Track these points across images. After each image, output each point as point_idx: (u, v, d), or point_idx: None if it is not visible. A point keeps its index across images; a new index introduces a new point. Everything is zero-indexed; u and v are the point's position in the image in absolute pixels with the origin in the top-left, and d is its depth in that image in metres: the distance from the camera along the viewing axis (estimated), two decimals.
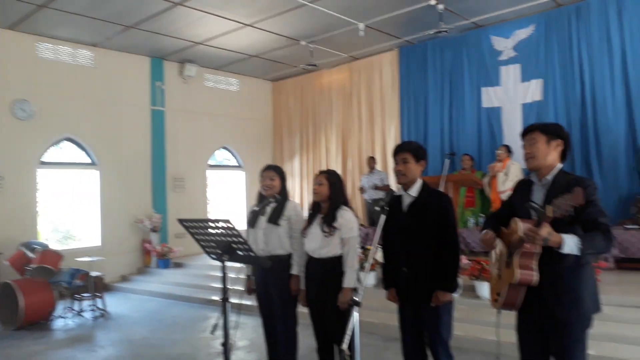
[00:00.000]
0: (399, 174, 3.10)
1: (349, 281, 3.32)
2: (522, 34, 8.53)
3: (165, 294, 8.06)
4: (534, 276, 2.38)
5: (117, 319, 6.73)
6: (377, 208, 3.13)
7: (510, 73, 8.65)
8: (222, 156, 11.64)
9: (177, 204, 10.13)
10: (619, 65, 7.58)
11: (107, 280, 8.75)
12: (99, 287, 7.08)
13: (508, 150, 7.90)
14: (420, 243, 3.02)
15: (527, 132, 2.61)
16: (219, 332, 2.90)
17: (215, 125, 11.06)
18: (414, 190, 3.10)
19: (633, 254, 6.01)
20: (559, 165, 2.56)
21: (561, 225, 2.31)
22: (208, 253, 3.00)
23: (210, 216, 10.70)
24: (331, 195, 3.47)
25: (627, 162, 7.41)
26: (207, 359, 4.91)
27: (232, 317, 3.26)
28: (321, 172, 3.59)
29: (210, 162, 11.15)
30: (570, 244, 2.23)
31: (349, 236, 3.40)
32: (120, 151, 9.47)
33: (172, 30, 8.53)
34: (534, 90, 8.40)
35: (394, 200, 3.15)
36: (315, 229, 3.47)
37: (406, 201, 3.12)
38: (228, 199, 11.61)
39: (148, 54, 9.82)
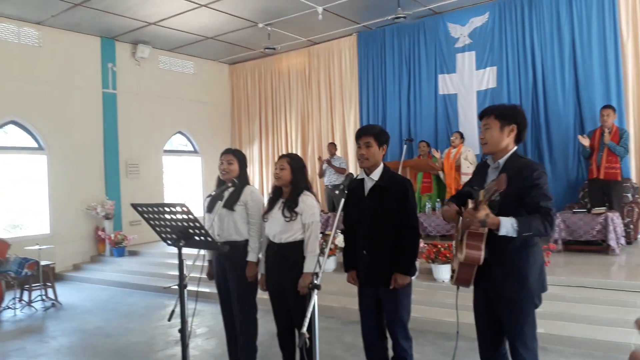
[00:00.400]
0: (361, 157, 3.09)
1: (309, 266, 3.30)
2: (478, 21, 8.68)
3: (120, 283, 7.85)
4: (480, 256, 2.45)
5: (70, 309, 6.51)
6: (337, 192, 3.13)
7: (466, 60, 8.81)
8: (178, 141, 11.36)
9: (132, 191, 9.84)
10: (568, 54, 7.84)
11: (58, 270, 8.45)
12: (49, 276, 6.81)
13: (461, 136, 8.09)
14: (381, 227, 3.04)
15: (483, 116, 2.64)
16: (176, 320, 2.83)
17: (170, 110, 10.77)
18: (376, 175, 3.10)
19: (580, 236, 6.27)
20: (513, 149, 2.60)
21: (507, 206, 2.38)
22: (164, 239, 2.91)
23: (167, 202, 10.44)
24: (293, 180, 3.44)
25: (576, 148, 7.71)
26: (164, 347, 4.82)
27: (190, 304, 3.20)
28: (283, 156, 3.54)
29: (166, 147, 10.86)
30: (507, 225, 2.29)
31: (311, 221, 3.38)
32: (70, 135, 9.08)
33: (123, 9, 8.18)
34: (488, 78, 8.59)
35: (356, 184, 3.15)
36: (277, 214, 3.43)
37: (368, 185, 3.13)
38: (185, 185, 11.37)
39: (98, 33, 9.41)
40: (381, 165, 3.13)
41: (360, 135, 3.12)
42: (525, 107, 8.11)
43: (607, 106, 6.84)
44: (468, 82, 8.77)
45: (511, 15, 8.35)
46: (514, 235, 2.32)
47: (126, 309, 6.42)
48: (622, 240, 6.24)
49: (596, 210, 6.30)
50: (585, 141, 6.76)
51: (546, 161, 7.90)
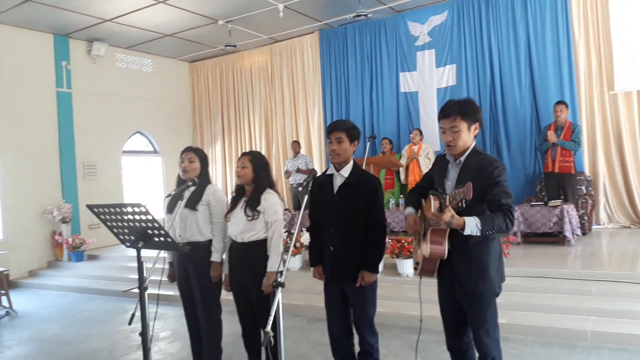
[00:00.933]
0: (332, 153, 3.06)
1: (273, 264, 3.26)
2: (437, 19, 8.82)
3: (79, 288, 7.58)
4: (444, 251, 2.52)
5: (25, 317, 6.25)
6: (300, 189, 3.11)
7: (426, 58, 8.94)
8: (137, 142, 11.08)
9: (90, 193, 9.54)
10: (524, 52, 8.07)
11: (12, 277, 8.09)
12: (3, 284, 6.52)
13: (420, 133, 8.23)
14: (349, 223, 3.03)
15: (447, 116, 2.57)
16: (138, 324, 2.75)
17: (129, 109, 10.49)
18: (346, 171, 3.09)
19: (537, 228, 6.45)
20: (473, 144, 2.63)
21: (470, 203, 2.38)
22: (122, 241, 2.82)
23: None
24: (255, 178, 3.38)
25: (533, 143, 7.95)
26: (126, 352, 4.68)
27: (152, 308, 3.11)
28: (244, 154, 3.47)
29: (125, 147, 10.58)
30: (471, 225, 2.35)
31: (274, 219, 3.33)
32: (23, 136, 8.71)
33: (76, 4, 7.90)
34: (448, 75, 8.74)
35: (324, 180, 3.14)
36: (239, 213, 3.37)
37: (337, 181, 3.11)
38: (145, 186, 11.10)
39: (51, 30, 9.07)
40: (351, 162, 3.12)
41: (332, 130, 3.08)
42: (484, 104, 8.30)
43: (560, 102, 7.07)
44: (428, 80, 8.90)
45: (469, 14, 8.52)
46: (478, 234, 2.37)
47: (86, 315, 6.22)
48: (578, 231, 6.46)
49: (552, 203, 6.50)
50: (553, 137, 6.91)
51: (504, 156, 8.10)
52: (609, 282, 4.78)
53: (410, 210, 2.84)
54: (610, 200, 7.60)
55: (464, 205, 2.25)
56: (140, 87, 10.78)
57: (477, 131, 2.62)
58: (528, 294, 4.89)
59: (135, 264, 8.16)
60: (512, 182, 7.42)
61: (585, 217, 7.01)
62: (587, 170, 7.61)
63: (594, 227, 7.37)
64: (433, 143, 8.35)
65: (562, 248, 6.20)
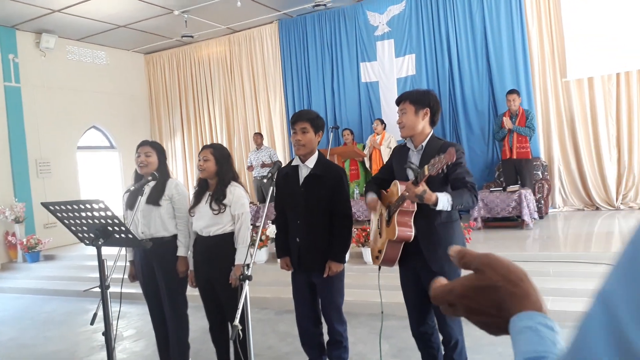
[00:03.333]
0: (297, 144, 3.04)
1: (240, 257, 3.22)
2: (395, 9, 8.87)
3: (36, 290, 7.30)
4: (411, 232, 2.60)
5: None
6: (265, 181, 3.07)
7: (385, 48, 8.98)
8: (93, 137, 10.71)
9: (44, 191, 9.17)
10: (480, 42, 8.23)
11: None
12: None
13: (382, 123, 8.29)
14: (315, 214, 3.03)
15: (400, 101, 2.77)
16: (100, 323, 2.66)
17: (82, 103, 10.11)
18: (311, 162, 3.07)
19: (497, 213, 6.63)
20: (431, 132, 2.76)
21: (434, 184, 2.51)
22: (81, 239, 2.71)
23: None
24: (218, 171, 3.31)
25: (491, 130, 8.14)
26: (89, 353, 4.54)
27: (115, 306, 3.02)
28: (206, 147, 3.40)
29: (80, 143, 10.22)
30: (443, 200, 2.42)
31: (241, 212, 3.28)
32: None
33: None
34: (407, 65, 8.82)
35: (289, 171, 3.11)
36: (204, 207, 3.30)
37: (303, 173, 3.09)
38: (103, 183, 10.76)
39: None
40: (316, 153, 3.11)
41: (296, 120, 3.06)
42: (443, 93, 8.43)
43: (512, 91, 7.25)
44: (388, 70, 8.96)
45: (426, 4, 8.61)
46: (449, 209, 2.46)
47: (44, 317, 5.99)
48: (535, 215, 6.68)
49: (511, 188, 6.69)
50: (509, 123, 7.09)
51: (464, 144, 8.25)
52: (566, 262, 4.97)
53: (372, 194, 2.91)
54: (564, 184, 7.88)
55: (445, 171, 2.31)
56: (94, 80, 10.41)
57: (427, 116, 2.72)
58: None
59: (94, 263, 7.91)
60: (472, 168, 7.48)
61: (542, 201, 7.25)
62: (542, 156, 7.86)
63: (550, 210, 7.64)
64: (395, 132, 8.43)
65: (521, 232, 6.39)
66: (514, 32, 7.95)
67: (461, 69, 8.39)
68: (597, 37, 7.37)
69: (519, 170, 7.16)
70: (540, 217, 7.10)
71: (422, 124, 2.71)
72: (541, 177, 7.57)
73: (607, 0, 7.29)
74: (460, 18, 8.35)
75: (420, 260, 2.68)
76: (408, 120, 2.70)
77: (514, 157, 7.12)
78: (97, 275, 2.60)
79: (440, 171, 2.30)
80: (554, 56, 7.84)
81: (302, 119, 3.04)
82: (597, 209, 7.58)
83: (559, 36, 7.76)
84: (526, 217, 6.41)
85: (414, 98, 2.72)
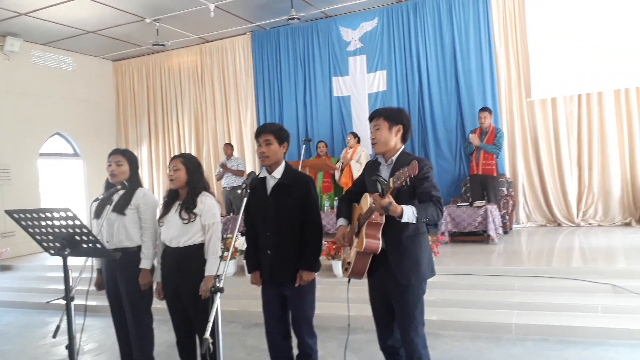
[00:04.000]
0: (262, 155, 3.04)
1: (211, 268, 3.17)
2: (368, 26, 9.02)
3: None
4: (379, 244, 2.64)
5: None
6: (238, 191, 3.04)
7: (357, 63, 9.10)
8: (56, 144, 10.41)
9: (2, 198, 8.83)
10: (450, 60, 8.44)
11: None
12: None
13: (355, 136, 8.36)
14: (284, 225, 3.02)
15: (373, 117, 2.82)
16: (62, 337, 2.57)
17: (47, 109, 9.83)
18: (278, 173, 3.07)
19: (464, 227, 6.76)
20: (402, 147, 2.84)
21: (402, 198, 2.56)
22: (46, 248, 2.62)
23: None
24: (189, 181, 3.27)
25: (459, 147, 8.34)
26: None
27: (78, 319, 2.92)
28: (176, 157, 3.35)
29: (43, 150, 9.91)
30: (408, 212, 2.46)
31: (211, 222, 3.24)
32: None
33: None
34: (379, 81, 8.95)
35: (258, 183, 3.09)
36: (174, 217, 3.24)
37: (270, 184, 3.08)
38: (65, 191, 10.45)
39: None
40: (283, 164, 3.11)
41: (259, 133, 3.08)
42: (413, 109, 8.59)
43: (484, 109, 7.47)
44: (360, 85, 9.08)
45: (398, 22, 8.78)
46: (414, 222, 2.49)
47: (0, 330, 5.74)
48: (500, 230, 6.84)
49: (477, 203, 6.83)
50: (476, 140, 7.26)
51: (432, 159, 8.40)
52: (530, 277, 5.09)
53: (342, 221, 2.96)
54: (528, 200, 8.11)
55: (408, 182, 2.33)
56: (60, 86, 10.14)
57: (400, 133, 2.80)
58: (456, 290, 5.10)
59: (55, 274, 7.69)
60: (439, 183, 7.56)
61: (507, 217, 7.43)
62: (507, 173, 8.07)
63: (514, 226, 7.84)
64: (366, 147, 8.53)
65: (486, 246, 6.52)
66: (482, 53, 8.19)
67: (431, 86, 8.57)
68: (560, 60, 7.67)
69: (484, 186, 7.33)
70: (505, 232, 7.27)
71: (395, 140, 2.78)
72: (506, 193, 7.76)
73: (570, 27, 7.60)
74: (430, 37, 8.55)
75: (387, 273, 2.71)
76: (382, 137, 2.76)
77: (480, 172, 7.30)
78: (57, 286, 2.54)
79: (404, 184, 2.33)
80: (519, 77, 8.10)
81: (265, 131, 3.06)
82: (559, 225, 7.82)
83: (524, 58, 8.03)
84: (492, 232, 6.55)
85: (388, 115, 2.78)
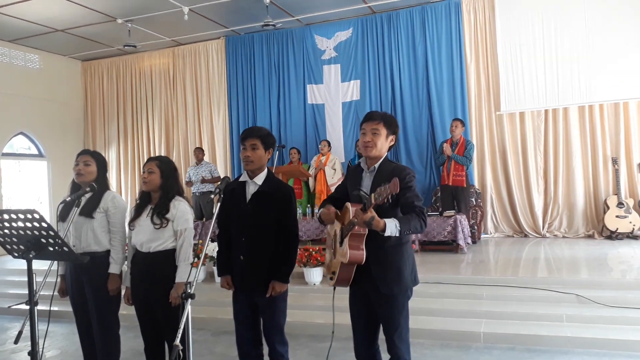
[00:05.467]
0: (246, 159, 2.98)
1: (182, 275, 3.10)
2: (342, 35, 9.09)
3: None
4: (363, 255, 2.59)
5: None
6: (212, 196, 2.98)
7: (332, 72, 9.16)
8: (19, 144, 10.08)
9: None
10: (422, 72, 8.59)
11: None
12: None
13: (329, 144, 8.40)
14: (260, 232, 2.97)
15: (371, 120, 2.72)
16: (23, 343, 2.47)
17: (10, 108, 9.52)
18: (260, 179, 3.02)
19: (433, 237, 6.83)
20: (385, 155, 2.79)
21: (386, 208, 2.52)
22: (9, 251, 2.52)
23: None
24: (163, 185, 3.20)
25: (430, 157, 8.47)
26: None
27: (41, 325, 2.81)
28: (151, 159, 3.27)
29: (5, 150, 9.58)
30: (391, 226, 2.44)
31: (184, 227, 3.17)
32: None
33: None
34: (352, 90, 9.02)
35: (236, 187, 3.05)
36: (145, 221, 3.16)
37: (251, 189, 3.03)
38: (28, 193, 10.11)
39: None
40: (265, 170, 3.06)
41: (246, 136, 3.01)
42: (395, 118, 8.65)
43: (456, 119, 7.64)
44: (334, 93, 9.13)
45: (372, 32, 8.89)
46: (397, 235, 2.46)
47: None
48: (469, 240, 6.95)
49: (447, 213, 6.93)
50: (448, 150, 7.39)
51: None
52: (497, 286, 5.17)
53: (323, 207, 2.88)
54: (496, 211, 8.28)
55: (390, 200, 2.30)
56: (25, 85, 9.85)
57: (392, 143, 2.77)
58: (426, 299, 5.12)
59: (16, 278, 7.41)
60: None
61: (475, 227, 7.57)
62: (476, 183, 8.23)
63: (482, 236, 7.98)
64: (339, 154, 8.56)
65: (455, 255, 6.61)
66: (453, 66, 8.36)
67: (403, 97, 8.68)
68: (528, 75, 7.89)
69: (455, 196, 7.45)
70: (474, 242, 7.40)
71: (385, 148, 2.74)
72: (475, 203, 7.90)
73: (538, 44, 7.83)
74: (403, 49, 8.68)
75: (371, 282, 2.66)
76: (379, 142, 2.68)
77: (451, 183, 7.42)
78: (19, 291, 2.43)
79: (385, 201, 2.31)
80: (489, 91, 8.30)
81: (252, 136, 3.00)
82: (526, 236, 8.01)
83: (494, 73, 8.23)
84: (461, 242, 6.65)
85: (387, 121, 2.71)
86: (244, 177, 3.08)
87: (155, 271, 3.14)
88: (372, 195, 2.36)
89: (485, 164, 8.30)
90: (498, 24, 8.12)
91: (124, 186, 10.80)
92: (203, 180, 8.74)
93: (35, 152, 10.29)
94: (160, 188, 3.20)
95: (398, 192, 2.29)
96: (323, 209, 2.83)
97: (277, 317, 3.06)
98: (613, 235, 7.34)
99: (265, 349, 3.15)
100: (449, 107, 8.35)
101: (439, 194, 7.94)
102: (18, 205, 9.71)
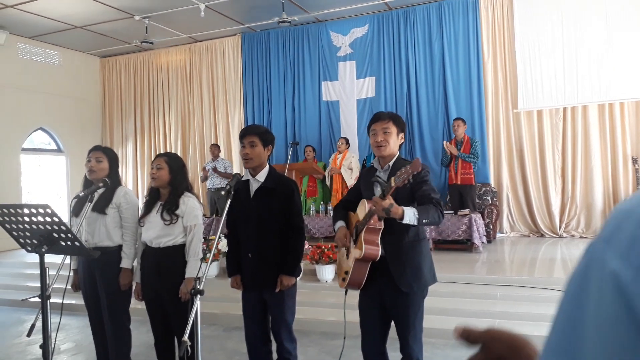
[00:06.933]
0: (245, 157, 3.01)
1: (192, 270, 3.12)
2: (358, 32, 9.04)
3: None
4: (378, 251, 2.56)
5: None
6: (222, 192, 2.99)
7: (347, 69, 9.12)
8: (39, 139, 10.25)
9: None
10: (438, 69, 8.49)
11: None
12: None
13: (346, 142, 8.35)
14: (267, 229, 2.98)
15: (380, 119, 2.72)
16: (37, 335, 2.51)
17: (30, 103, 9.68)
18: (262, 176, 3.03)
19: (448, 235, 6.78)
20: (397, 153, 2.79)
21: (401, 202, 2.50)
22: (23, 245, 2.56)
23: None
24: (172, 181, 3.22)
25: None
26: None
27: (54, 318, 2.86)
28: (160, 155, 3.30)
29: (25, 145, 9.75)
30: (409, 214, 2.41)
31: (193, 223, 3.19)
32: None
33: None
34: (367, 87, 8.97)
35: (241, 186, 3.06)
36: (155, 217, 3.19)
37: (253, 187, 3.05)
38: (48, 188, 10.29)
39: None
40: (267, 167, 3.08)
41: (244, 134, 3.04)
42: (401, 115, 8.59)
43: (457, 118, 7.53)
44: (349, 90, 9.08)
45: (388, 29, 8.82)
46: (415, 224, 2.43)
47: None
48: (484, 239, 6.87)
49: (462, 212, 6.86)
50: (453, 149, 7.30)
51: None
52: (512, 286, 5.11)
53: (340, 223, 2.87)
54: (512, 210, 8.17)
55: (411, 180, 2.29)
56: (45, 81, 10.00)
57: (402, 141, 2.78)
58: (439, 298, 5.08)
59: (32, 271, 7.52)
60: None
61: (491, 226, 7.47)
62: (492, 182, 8.13)
63: (497, 235, 7.88)
64: (353, 152, 8.53)
65: (470, 255, 6.55)
66: (470, 63, 8.25)
67: (419, 94, 8.61)
68: (547, 73, 7.76)
69: (463, 195, 7.35)
70: (489, 241, 7.31)
71: (397, 145, 2.75)
72: (490, 202, 7.81)
73: (557, 42, 7.69)
74: (420, 45, 8.59)
75: (385, 281, 2.64)
76: (391, 141, 2.70)
77: (459, 182, 7.31)
78: (35, 284, 2.47)
79: (406, 182, 2.29)
80: (506, 88, 8.18)
81: (250, 133, 3.02)
82: (542, 235, 7.89)
83: (512, 70, 8.11)
84: (476, 241, 6.57)
85: (396, 120, 2.73)
86: (246, 176, 3.09)
87: (165, 266, 3.16)
88: (392, 178, 2.34)
89: (502, 162, 8.19)
90: (516, 20, 8.00)
91: (140, 182, 10.92)
92: (215, 170, 8.75)
93: (55, 147, 10.45)
94: (169, 184, 3.22)
95: (420, 173, 2.27)
96: (339, 236, 2.81)
97: (285, 314, 3.07)
98: None
99: (274, 345, 3.16)
100: (466, 105, 8.26)
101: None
102: (38, 199, 9.89)
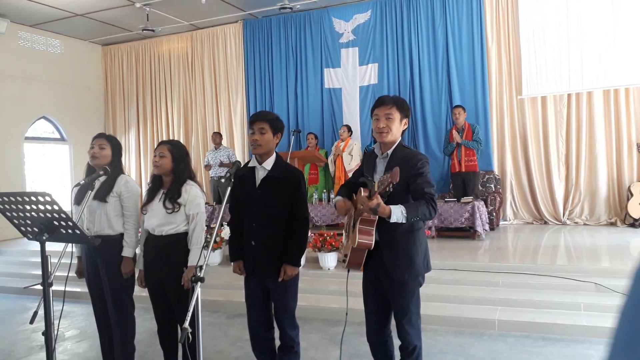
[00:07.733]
0: (254, 143, 2.97)
1: (194, 258, 3.12)
2: (361, 18, 8.96)
3: None
4: (372, 241, 2.57)
5: None
6: (223, 180, 2.98)
7: (350, 56, 9.05)
8: (42, 128, 10.26)
9: None
10: (442, 55, 8.42)
11: None
12: None
13: (349, 129, 8.31)
14: (271, 217, 2.97)
15: (384, 104, 2.65)
16: (40, 323, 2.52)
17: (33, 92, 9.67)
18: (269, 164, 3.01)
19: (450, 223, 6.77)
20: (399, 140, 2.73)
21: (397, 193, 2.51)
22: (24, 233, 2.56)
23: None
24: (174, 169, 3.20)
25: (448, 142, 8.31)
26: (27, 354, 4.30)
27: (57, 305, 2.88)
28: (163, 143, 3.28)
29: (28, 134, 9.76)
30: (397, 213, 2.41)
31: (196, 212, 3.18)
32: None
33: None
34: (370, 74, 8.91)
35: (246, 172, 3.04)
36: (157, 205, 3.18)
37: (260, 174, 3.03)
38: (51, 176, 10.32)
39: None
40: (274, 155, 3.05)
41: (254, 120, 3.00)
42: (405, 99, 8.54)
43: (457, 106, 7.44)
44: (352, 77, 9.03)
45: (391, 15, 8.73)
46: (403, 222, 2.44)
47: None
48: (487, 227, 6.85)
49: (465, 199, 6.84)
50: (457, 137, 7.24)
51: None
52: (514, 274, 5.10)
53: (339, 197, 2.87)
54: (515, 197, 8.15)
55: (391, 189, 2.30)
56: (47, 69, 9.98)
57: (405, 127, 2.73)
58: (441, 285, 5.10)
59: (37, 259, 7.55)
60: None
61: (494, 214, 7.45)
62: (495, 170, 8.09)
63: (501, 222, 7.87)
64: (355, 140, 8.50)
65: (472, 242, 6.54)
66: (474, 49, 8.18)
67: (422, 81, 8.55)
68: (551, 59, 7.68)
69: (466, 182, 7.31)
70: (492, 229, 7.30)
71: (400, 131, 2.70)
72: (494, 190, 7.78)
73: (562, 27, 7.61)
74: (423, 31, 8.52)
75: (382, 267, 2.66)
76: (394, 127, 2.64)
77: (463, 170, 7.26)
78: (39, 272, 2.47)
79: (387, 189, 2.30)
80: (510, 74, 8.11)
81: (260, 119, 2.99)
82: (545, 223, 7.87)
83: (516, 56, 8.03)
84: (479, 228, 6.57)
85: (400, 105, 2.66)
86: (252, 163, 3.07)
87: (167, 254, 3.17)
88: (376, 183, 2.36)
89: (506, 149, 8.14)
90: (520, 5, 7.90)
91: (143, 169, 10.93)
92: (221, 164, 8.78)
93: (58, 136, 10.46)
94: (172, 172, 3.21)
95: (398, 181, 2.26)
96: (338, 201, 2.83)
97: (287, 301, 3.07)
98: (636, 223, 7.17)
99: (277, 332, 3.17)
100: (469, 92, 8.20)
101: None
102: (42, 188, 9.91)
